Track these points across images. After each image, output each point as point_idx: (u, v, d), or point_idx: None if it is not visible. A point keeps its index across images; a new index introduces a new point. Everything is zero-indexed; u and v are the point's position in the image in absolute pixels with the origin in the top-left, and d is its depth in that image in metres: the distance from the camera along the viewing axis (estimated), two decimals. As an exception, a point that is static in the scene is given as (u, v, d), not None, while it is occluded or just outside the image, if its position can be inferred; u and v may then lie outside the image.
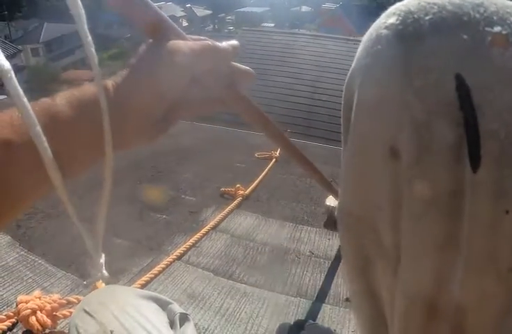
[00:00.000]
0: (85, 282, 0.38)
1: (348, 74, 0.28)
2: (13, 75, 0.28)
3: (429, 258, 0.24)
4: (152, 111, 0.33)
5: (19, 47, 17.22)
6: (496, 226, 0.22)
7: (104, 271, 0.39)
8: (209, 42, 0.34)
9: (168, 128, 0.37)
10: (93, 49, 0.31)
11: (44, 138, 0.28)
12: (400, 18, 0.23)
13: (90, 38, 0.31)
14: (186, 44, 0.33)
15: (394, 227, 0.25)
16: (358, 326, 0.34)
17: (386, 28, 0.24)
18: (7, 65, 0.27)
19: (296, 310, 1.34)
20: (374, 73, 0.25)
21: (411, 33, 0.23)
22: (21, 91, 0.28)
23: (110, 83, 0.32)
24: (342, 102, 0.29)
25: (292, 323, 1.22)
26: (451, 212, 0.22)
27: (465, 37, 0.22)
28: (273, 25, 25.99)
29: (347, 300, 1.35)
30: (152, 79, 0.32)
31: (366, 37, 0.26)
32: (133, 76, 0.32)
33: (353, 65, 0.27)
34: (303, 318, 1.30)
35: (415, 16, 0.23)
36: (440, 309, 0.24)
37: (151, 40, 0.34)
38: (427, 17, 0.22)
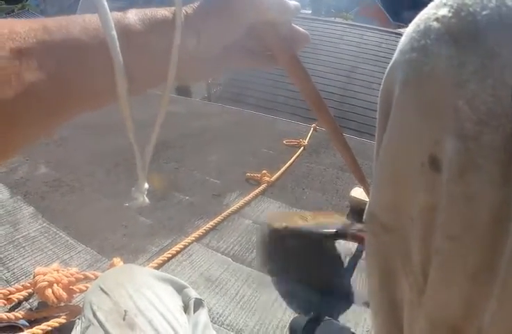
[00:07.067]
0: (127, 204, 0.38)
1: (389, 67, 0.25)
2: None
3: (460, 285, 0.21)
4: (212, 43, 0.34)
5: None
6: None
7: (146, 197, 0.40)
8: None
9: (220, 68, 0.38)
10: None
11: (117, 42, 0.28)
12: (452, 10, 0.20)
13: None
14: None
15: (425, 242, 0.23)
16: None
17: (436, 20, 0.21)
18: None
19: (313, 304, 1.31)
20: (421, 71, 0.21)
21: (466, 29, 0.20)
22: None
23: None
24: (379, 96, 0.27)
25: (308, 317, 1.19)
26: (492, 238, 0.20)
27: None
28: (310, 12, 25.63)
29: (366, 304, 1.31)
30: (219, 13, 0.33)
31: (411, 28, 0.23)
32: (202, 8, 0.34)
33: (394, 57, 0.24)
34: (319, 313, 1.27)
35: (470, 9, 0.20)
36: None
37: None
38: (484, 12, 0.19)
